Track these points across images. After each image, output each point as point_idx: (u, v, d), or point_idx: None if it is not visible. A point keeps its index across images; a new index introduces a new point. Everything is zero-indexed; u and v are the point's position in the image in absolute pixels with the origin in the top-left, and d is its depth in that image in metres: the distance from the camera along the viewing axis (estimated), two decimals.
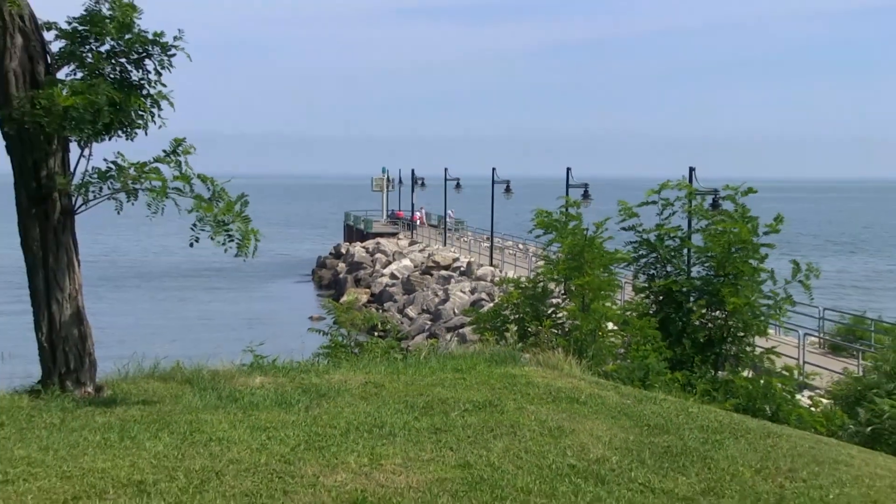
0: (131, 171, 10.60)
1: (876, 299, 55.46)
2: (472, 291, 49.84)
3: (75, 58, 10.75)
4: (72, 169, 10.98)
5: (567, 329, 17.44)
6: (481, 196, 64.25)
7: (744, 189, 19.07)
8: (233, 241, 10.38)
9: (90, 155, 10.90)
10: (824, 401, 18.48)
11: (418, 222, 80.00)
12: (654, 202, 19.20)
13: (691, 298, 18.30)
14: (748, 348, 18.22)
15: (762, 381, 17.00)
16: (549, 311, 18.07)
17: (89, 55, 10.75)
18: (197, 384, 11.59)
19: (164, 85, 10.91)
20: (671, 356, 17.00)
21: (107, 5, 10.37)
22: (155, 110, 10.88)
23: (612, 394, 12.17)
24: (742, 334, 18.02)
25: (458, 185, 71.58)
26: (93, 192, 10.76)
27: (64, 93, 10.18)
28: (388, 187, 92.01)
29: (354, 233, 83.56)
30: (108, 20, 10.45)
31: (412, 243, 72.46)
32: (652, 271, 18.99)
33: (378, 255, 68.56)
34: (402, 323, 46.83)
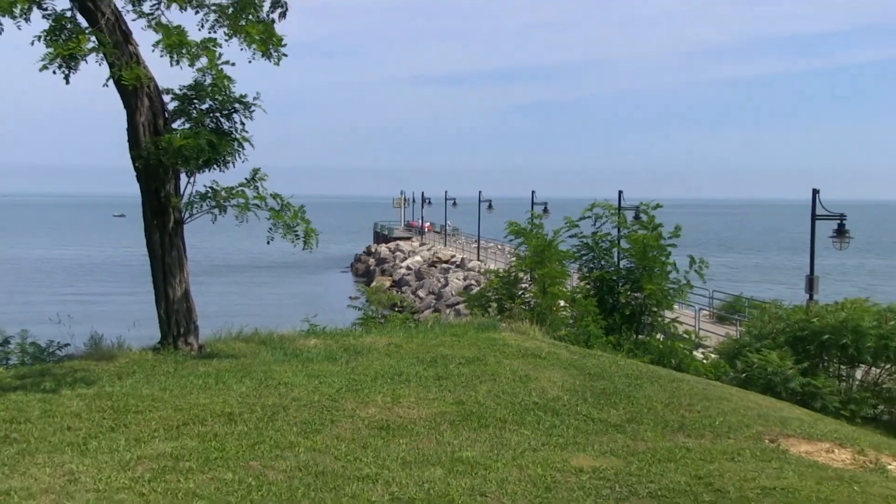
0: (223, 193, 10.62)
1: (748, 284, 55.31)
2: (465, 279, 49.81)
3: (185, 113, 10.79)
4: (182, 192, 11.03)
5: (532, 305, 17.43)
6: (471, 211, 64.26)
7: (653, 205, 19.13)
8: (299, 238, 10.42)
9: (194, 182, 10.93)
10: (713, 355, 18.51)
11: (426, 229, 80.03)
12: (588, 217, 19.22)
13: (619, 284, 18.30)
14: (660, 319, 18.20)
15: (669, 342, 17.02)
16: (520, 293, 18.05)
17: (194, 111, 10.79)
18: (269, 344, 11.63)
19: (246, 131, 10.96)
20: (605, 325, 16.98)
21: (210, 78, 10.41)
22: (240, 150, 10.92)
23: (564, 351, 12.18)
24: (655, 309, 17.99)
25: (454, 203, 71.71)
26: (196, 208, 10.80)
27: (178, 137, 10.26)
28: (404, 205, 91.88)
29: (381, 237, 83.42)
30: (210, 87, 10.49)
31: (422, 244, 72.41)
32: (591, 265, 18.95)
33: (398, 253, 68.52)
34: (414, 301, 46.76)
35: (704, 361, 17.11)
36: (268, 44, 10.23)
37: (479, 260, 55.78)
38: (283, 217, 10.34)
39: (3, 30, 8.74)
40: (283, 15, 10.63)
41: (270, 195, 10.63)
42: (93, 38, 9.57)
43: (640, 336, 17.63)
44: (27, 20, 9.33)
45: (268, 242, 10.54)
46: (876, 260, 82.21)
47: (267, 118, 11.42)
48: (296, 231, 10.34)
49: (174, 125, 10.79)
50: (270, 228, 10.36)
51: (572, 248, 19.04)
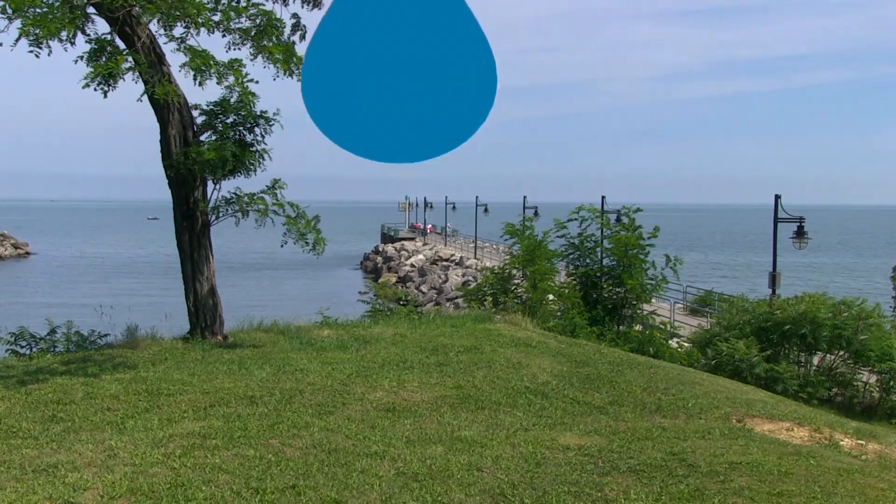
0: (245, 199, 10.63)
1: (714, 279, 55.31)
2: (463, 276, 49.77)
3: (211, 126, 10.80)
4: (208, 197, 11.03)
5: (524, 299, 17.41)
6: (469, 214, 64.25)
7: (634, 209, 19.09)
8: (308, 244, 10.43)
9: (220, 189, 10.93)
10: (686, 344, 18.50)
11: (428, 231, 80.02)
12: (575, 219, 19.20)
13: (602, 280, 18.30)
14: (639, 311, 18.19)
15: (647, 332, 17.01)
16: (512, 288, 18.04)
17: (220, 125, 10.80)
18: (287, 334, 11.62)
19: (265, 144, 10.97)
20: (590, 317, 16.97)
21: (235, 96, 10.42)
22: (261, 161, 10.91)
23: (553, 341, 12.18)
24: (635, 302, 17.97)
25: (454, 207, 71.82)
26: (221, 212, 10.80)
27: (205, 150, 10.27)
28: (409, 209, 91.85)
29: (387, 237, 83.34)
30: (235, 103, 10.51)
31: (424, 244, 72.35)
32: (577, 263, 18.95)
33: (403, 252, 68.39)
34: (418, 296, 46.77)
35: (679, 350, 17.11)
36: (289, 62, 10.23)
37: (476, 258, 55.75)
38: (297, 224, 10.36)
39: (51, 52, 8.77)
40: (302, 37, 10.63)
41: (288, 203, 10.63)
42: (129, 59, 9.58)
43: (621, 327, 17.62)
44: (72, 44, 9.35)
45: (281, 246, 10.59)
46: (824, 258, 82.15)
47: (291, 133, 11.42)
48: (306, 238, 10.35)
49: (202, 137, 10.81)
50: (284, 233, 10.38)
51: (560, 248, 19.04)
